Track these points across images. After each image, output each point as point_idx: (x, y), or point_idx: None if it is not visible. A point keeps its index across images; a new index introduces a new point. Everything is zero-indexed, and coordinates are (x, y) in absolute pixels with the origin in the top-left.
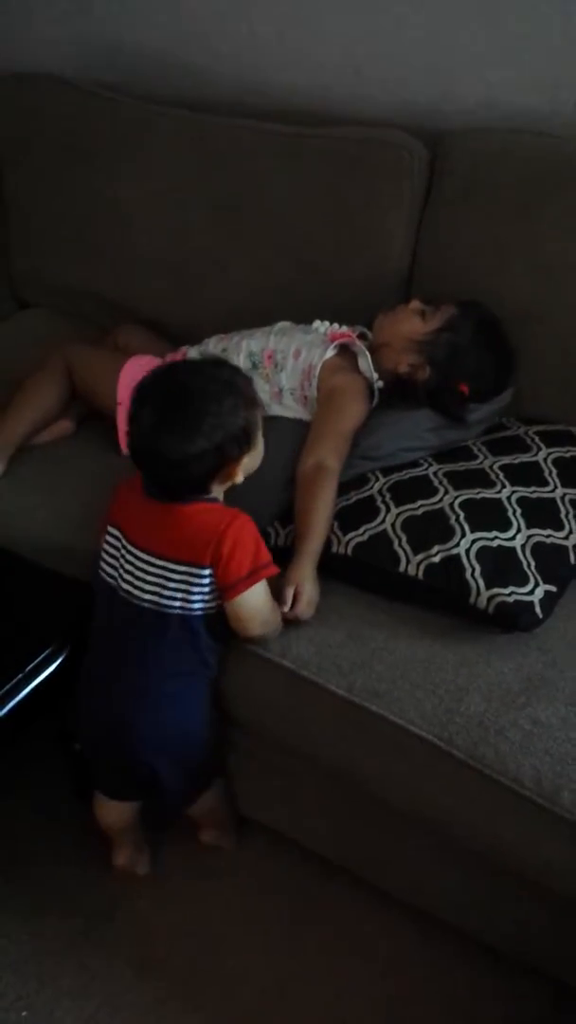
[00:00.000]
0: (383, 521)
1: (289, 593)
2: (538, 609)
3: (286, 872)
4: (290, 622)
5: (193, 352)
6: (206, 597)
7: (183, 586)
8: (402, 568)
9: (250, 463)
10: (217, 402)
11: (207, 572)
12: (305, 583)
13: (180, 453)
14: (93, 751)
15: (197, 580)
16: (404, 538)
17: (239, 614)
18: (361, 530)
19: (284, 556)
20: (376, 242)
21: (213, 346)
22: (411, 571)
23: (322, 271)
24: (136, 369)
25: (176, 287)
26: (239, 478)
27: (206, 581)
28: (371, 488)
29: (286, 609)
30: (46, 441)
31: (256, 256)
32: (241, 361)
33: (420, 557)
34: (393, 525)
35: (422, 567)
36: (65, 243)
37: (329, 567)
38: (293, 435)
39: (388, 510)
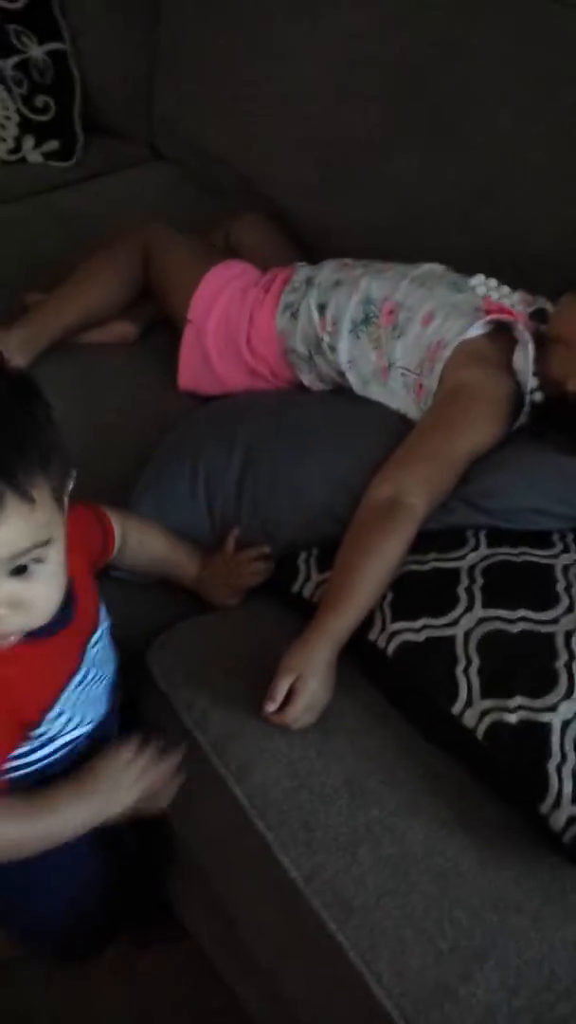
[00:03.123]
0: (456, 623)
1: (283, 686)
2: None
3: None
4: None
5: (301, 275)
6: None
7: None
8: (456, 710)
9: None
10: None
11: None
12: (310, 678)
13: None
14: None
15: None
16: (476, 664)
17: None
18: (419, 624)
19: (309, 614)
20: None
21: (328, 274)
22: (468, 720)
23: (521, 195)
24: (221, 279)
25: (320, 176)
26: None
27: None
28: (462, 558)
29: (271, 708)
30: (97, 342)
31: (431, 154)
32: (351, 309)
33: (488, 705)
34: (468, 635)
35: (485, 721)
36: (212, 96)
37: (359, 654)
38: (383, 433)
39: (470, 608)
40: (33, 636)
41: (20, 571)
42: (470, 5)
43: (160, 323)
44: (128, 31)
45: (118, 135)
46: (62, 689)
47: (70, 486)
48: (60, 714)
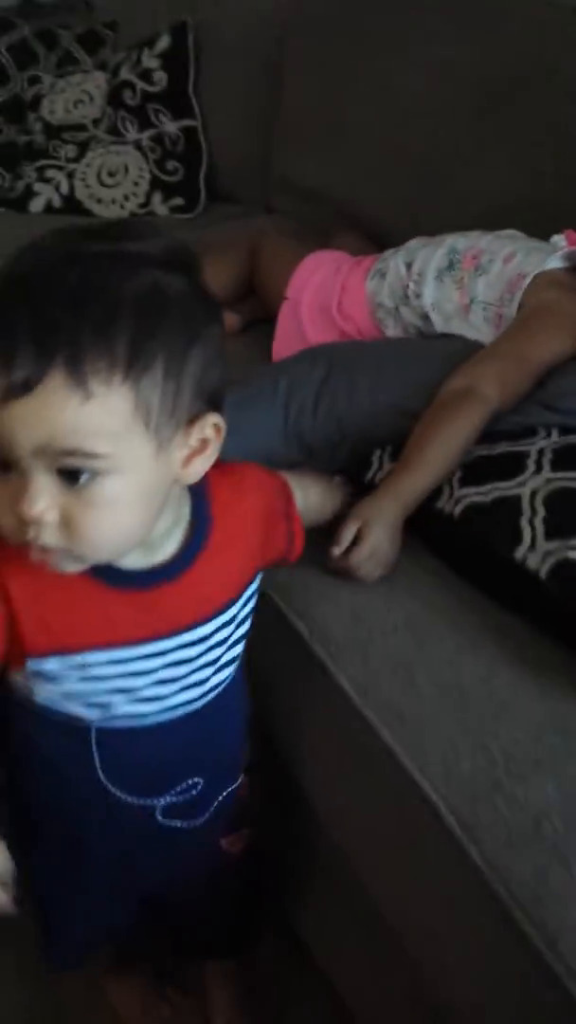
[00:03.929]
0: (523, 484)
1: (349, 531)
2: None
3: None
4: (340, 574)
5: (389, 251)
6: None
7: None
8: (519, 555)
9: None
10: None
11: None
12: (376, 525)
13: None
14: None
15: None
16: (541, 515)
17: None
18: (487, 487)
19: None
20: None
21: (414, 242)
22: (531, 563)
23: None
24: (317, 261)
25: (415, 190)
26: None
27: None
28: (533, 444)
29: (337, 552)
30: None
31: (522, 161)
32: (436, 259)
33: (553, 546)
34: (535, 493)
35: (549, 562)
36: (323, 141)
37: (426, 529)
38: (458, 352)
39: (538, 472)
40: (102, 572)
41: (71, 478)
42: (548, 35)
43: (261, 321)
44: (249, 109)
45: (237, 195)
46: (93, 647)
47: (197, 432)
48: (79, 668)
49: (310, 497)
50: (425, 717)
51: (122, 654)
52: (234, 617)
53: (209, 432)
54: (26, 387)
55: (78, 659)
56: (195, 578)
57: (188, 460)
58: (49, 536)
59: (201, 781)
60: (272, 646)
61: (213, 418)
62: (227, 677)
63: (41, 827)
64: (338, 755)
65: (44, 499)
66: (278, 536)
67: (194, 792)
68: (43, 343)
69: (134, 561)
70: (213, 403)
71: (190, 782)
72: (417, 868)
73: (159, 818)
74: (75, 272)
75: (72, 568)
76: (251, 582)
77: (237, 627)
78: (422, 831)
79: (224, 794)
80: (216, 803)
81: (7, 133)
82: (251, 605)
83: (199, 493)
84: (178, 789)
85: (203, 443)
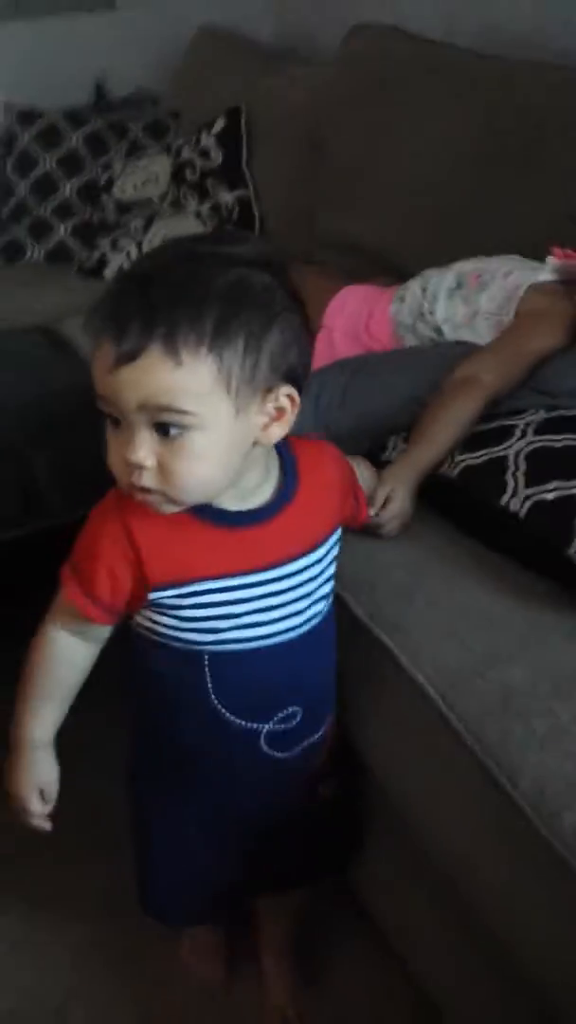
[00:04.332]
0: (510, 447)
1: (382, 495)
2: None
3: None
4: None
5: (414, 286)
6: None
7: None
8: (504, 500)
9: None
10: None
11: None
12: (400, 490)
13: None
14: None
15: None
16: (524, 468)
17: None
18: (479, 453)
19: None
20: None
21: (429, 271)
22: (513, 506)
23: None
24: (351, 296)
25: (437, 236)
26: None
27: None
28: (522, 418)
29: (373, 513)
30: None
31: (533, 208)
32: (447, 281)
33: (531, 491)
34: (519, 452)
35: (527, 504)
36: (361, 199)
37: (431, 492)
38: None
39: (523, 436)
40: (210, 514)
41: (165, 432)
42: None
43: None
44: (294, 176)
45: (288, 253)
46: (203, 577)
47: (272, 401)
48: (192, 597)
49: (362, 475)
50: (420, 627)
51: (225, 583)
52: (320, 559)
53: (284, 401)
54: (131, 356)
55: (189, 588)
56: (283, 524)
57: (267, 426)
58: (148, 479)
59: (300, 711)
60: None
61: (287, 389)
62: (320, 611)
63: (159, 757)
64: (354, 665)
65: (144, 447)
66: (348, 502)
67: (294, 722)
68: (146, 322)
69: (233, 505)
70: (291, 378)
71: (290, 710)
72: (416, 744)
73: (263, 747)
74: (180, 268)
75: (170, 509)
76: (331, 534)
77: (324, 569)
78: (416, 712)
79: (317, 735)
80: (310, 740)
81: (83, 214)
82: (335, 551)
83: (288, 458)
84: (281, 715)
85: (279, 412)
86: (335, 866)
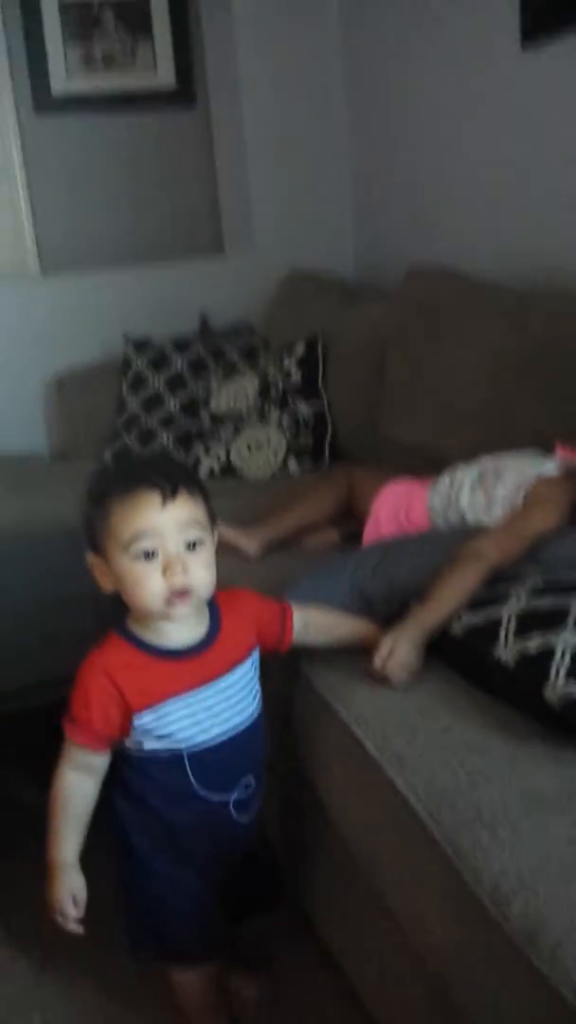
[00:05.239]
0: (507, 607)
1: (385, 648)
2: None
3: None
4: (378, 680)
5: (445, 479)
6: None
7: None
8: (496, 653)
9: (114, 583)
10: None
11: None
12: (401, 643)
13: None
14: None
15: None
16: (514, 625)
17: None
18: (481, 614)
19: None
20: None
21: (457, 465)
22: (504, 657)
23: None
24: (395, 489)
25: (479, 434)
26: (106, 586)
27: None
28: (523, 584)
29: (378, 662)
30: (311, 546)
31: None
32: (471, 475)
33: (518, 644)
34: (512, 614)
35: (514, 653)
36: (416, 407)
37: (441, 648)
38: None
39: (519, 600)
40: (164, 653)
41: (191, 547)
42: (568, 320)
43: (357, 535)
44: (361, 391)
45: (353, 454)
46: (169, 698)
47: (216, 533)
48: (165, 715)
49: (313, 621)
50: (418, 758)
51: (186, 699)
52: (247, 671)
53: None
54: (173, 495)
55: (162, 710)
56: (216, 651)
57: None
58: (180, 580)
59: (253, 780)
60: (323, 725)
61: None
62: (257, 707)
63: (153, 838)
64: (352, 782)
65: (183, 559)
66: (270, 630)
67: (249, 789)
68: (175, 480)
69: (179, 644)
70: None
71: (247, 780)
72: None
73: (232, 813)
74: (167, 458)
75: (188, 610)
76: (251, 652)
77: (252, 677)
78: (401, 821)
79: (261, 800)
80: (258, 804)
81: (185, 425)
82: (256, 663)
83: (212, 606)
84: (242, 784)
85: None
86: (281, 887)
